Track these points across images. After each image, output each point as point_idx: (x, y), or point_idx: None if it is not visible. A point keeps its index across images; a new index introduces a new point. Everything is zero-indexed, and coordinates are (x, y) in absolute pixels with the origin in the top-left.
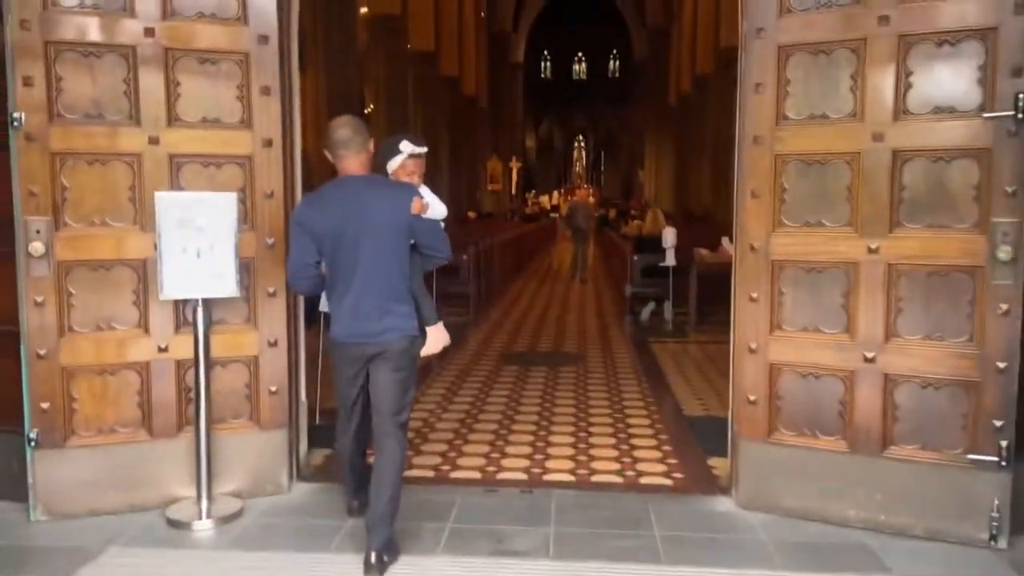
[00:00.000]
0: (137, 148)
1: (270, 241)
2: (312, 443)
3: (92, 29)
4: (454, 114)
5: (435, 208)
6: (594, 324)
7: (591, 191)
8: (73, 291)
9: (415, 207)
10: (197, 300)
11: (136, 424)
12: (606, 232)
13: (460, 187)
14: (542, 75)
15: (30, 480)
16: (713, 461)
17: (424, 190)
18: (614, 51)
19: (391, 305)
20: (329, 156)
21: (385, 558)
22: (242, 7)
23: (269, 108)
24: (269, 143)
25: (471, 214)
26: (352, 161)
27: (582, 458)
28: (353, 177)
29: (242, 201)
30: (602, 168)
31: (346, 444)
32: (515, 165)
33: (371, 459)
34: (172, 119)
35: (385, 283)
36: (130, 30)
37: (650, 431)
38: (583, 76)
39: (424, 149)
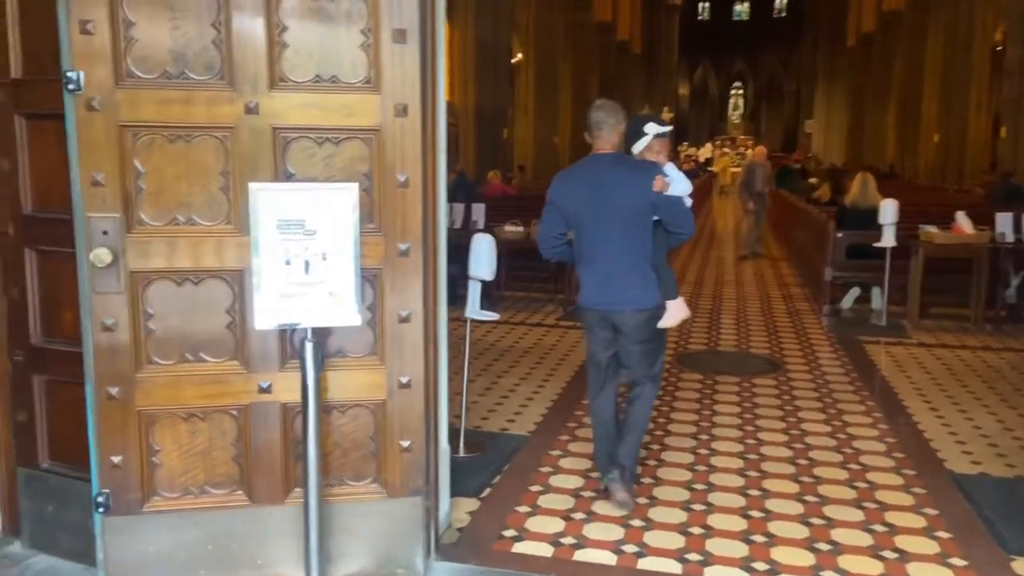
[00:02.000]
0: (229, 119)
1: (403, 246)
2: (456, 486)
3: None
4: (605, 61)
5: (678, 185)
6: (783, 314)
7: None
8: (152, 311)
9: (657, 185)
10: (306, 328)
11: (232, 484)
12: (781, 194)
13: None
14: (699, 16)
15: (99, 554)
16: (1021, 565)
17: (669, 167)
18: None
19: (633, 278)
20: (587, 136)
21: (628, 477)
22: None
23: (405, 61)
24: (404, 110)
25: None
26: (604, 141)
27: (822, 546)
28: (601, 155)
29: (367, 191)
30: (761, 118)
31: (602, 410)
32: (667, 115)
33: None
34: (276, 79)
35: (628, 257)
36: None
37: (909, 501)
38: (745, 17)
39: (668, 128)
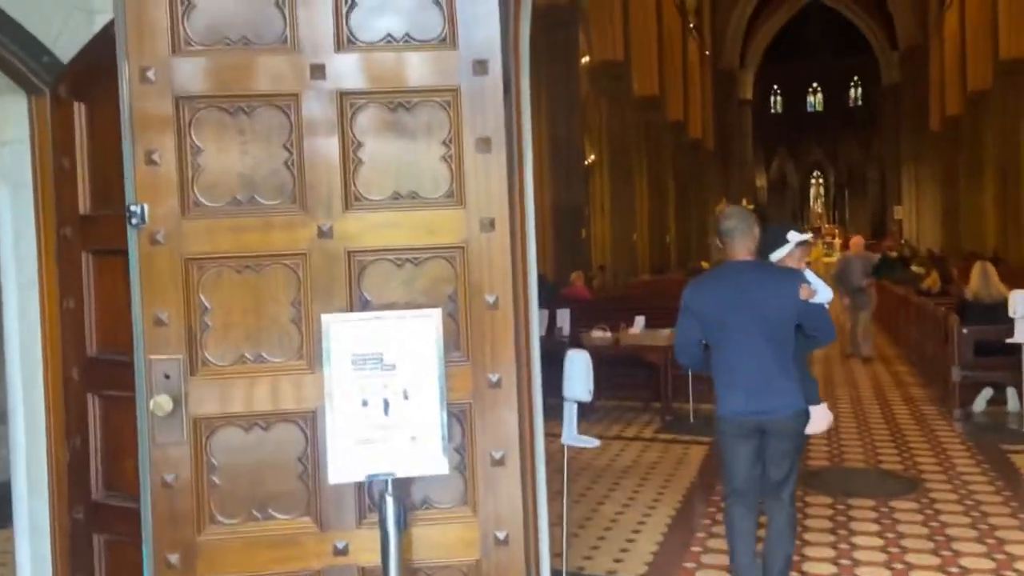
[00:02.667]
0: (302, 244)
1: (494, 377)
2: None
3: (240, 74)
4: (679, 158)
5: (822, 293)
6: (909, 420)
7: (860, 237)
8: (216, 462)
9: (803, 293)
10: (386, 479)
11: None
12: (885, 285)
13: (688, 233)
14: (772, 110)
15: None
16: None
17: (809, 274)
18: (855, 78)
19: (780, 384)
20: (718, 243)
21: None
22: (448, 23)
23: (490, 171)
24: (491, 224)
25: (703, 265)
26: (739, 247)
27: None
28: (740, 262)
29: (451, 315)
30: (845, 206)
31: (738, 518)
32: (747, 205)
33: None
34: (351, 198)
35: (773, 364)
36: (293, 68)
37: None
38: (819, 108)
39: (810, 236)
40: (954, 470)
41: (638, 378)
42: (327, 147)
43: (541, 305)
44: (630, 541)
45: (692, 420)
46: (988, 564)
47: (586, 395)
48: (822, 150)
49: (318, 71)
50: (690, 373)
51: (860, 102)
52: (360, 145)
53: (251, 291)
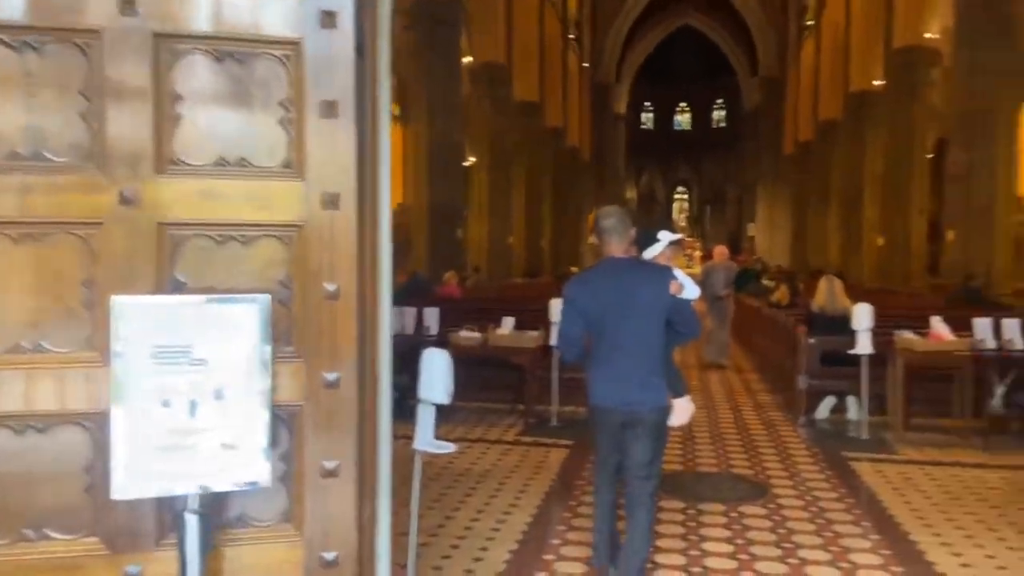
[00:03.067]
0: (98, 211)
1: (331, 376)
2: None
3: (26, 1)
4: (556, 165)
5: (689, 290)
6: (759, 426)
7: (722, 247)
8: None
9: (673, 288)
10: (186, 495)
11: None
12: (741, 298)
13: (562, 239)
14: (643, 126)
15: None
16: None
17: (677, 272)
18: (719, 100)
19: (649, 378)
20: (594, 239)
21: None
22: None
23: (336, 140)
24: (334, 201)
25: (572, 270)
26: (616, 246)
27: None
28: (617, 259)
29: (283, 303)
30: (706, 221)
31: (605, 513)
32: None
33: None
34: (165, 160)
35: (644, 357)
36: (95, 3)
37: None
38: (686, 127)
39: (680, 236)
40: (799, 476)
41: (504, 380)
42: (136, 98)
43: (413, 303)
44: (483, 549)
45: (555, 423)
46: (833, 573)
47: (444, 397)
48: (688, 167)
49: (128, 6)
50: (555, 376)
51: (724, 124)
52: (179, 99)
53: (32, 265)
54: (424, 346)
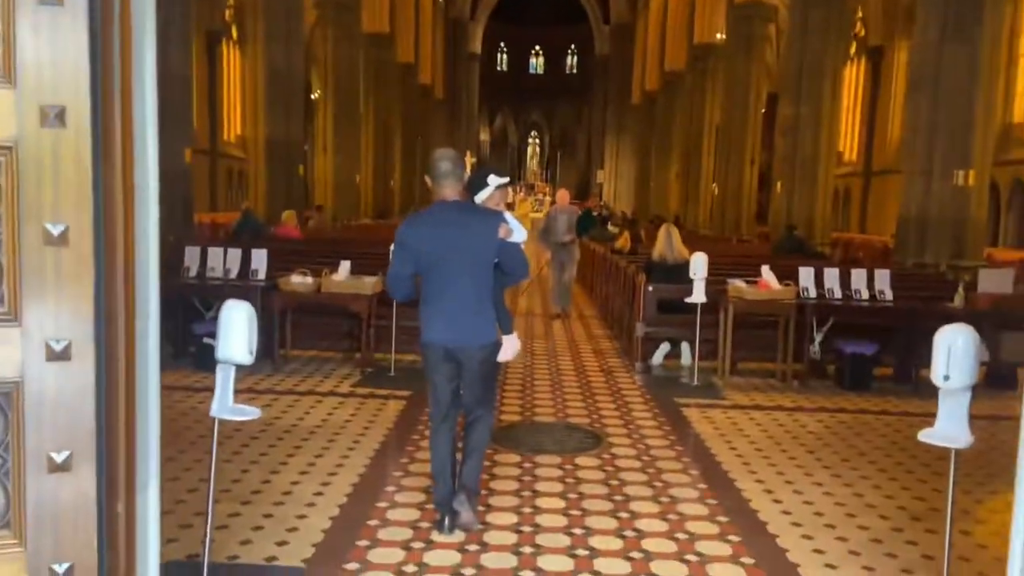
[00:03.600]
0: None
1: (59, 345)
2: None
3: None
4: (407, 102)
5: (518, 233)
6: (597, 373)
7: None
8: None
9: (502, 232)
10: None
11: None
12: (585, 243)
13: (413, 179)
14: (498, 67)
15: None
16: None
17: (507, 216)
18: (572, 47)
19: (478, 316)
20: (428, 182)
21: (473, 516)
22: None
23: (60, 36)
24: (60, 116)
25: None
26: (451, 190)
27: None
28: (450, 203)
29: None
30: (557, 166)
31: (443, 446)
32: (469, 160)
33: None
34: None
35: (474, 297)
36: None
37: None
38: (540, 71)
39: (507, 179)
40: (634, 424)
41: (340, 328)
42: None
43: (252, 242)
44: (301, 517)
45: (393, 372)
46: (662, 526)
47: (247, 356)
48: (541, 112)
49: None
50: (394, 324)
51: (575, 70)
52: None
53: None
54: (251, 292)
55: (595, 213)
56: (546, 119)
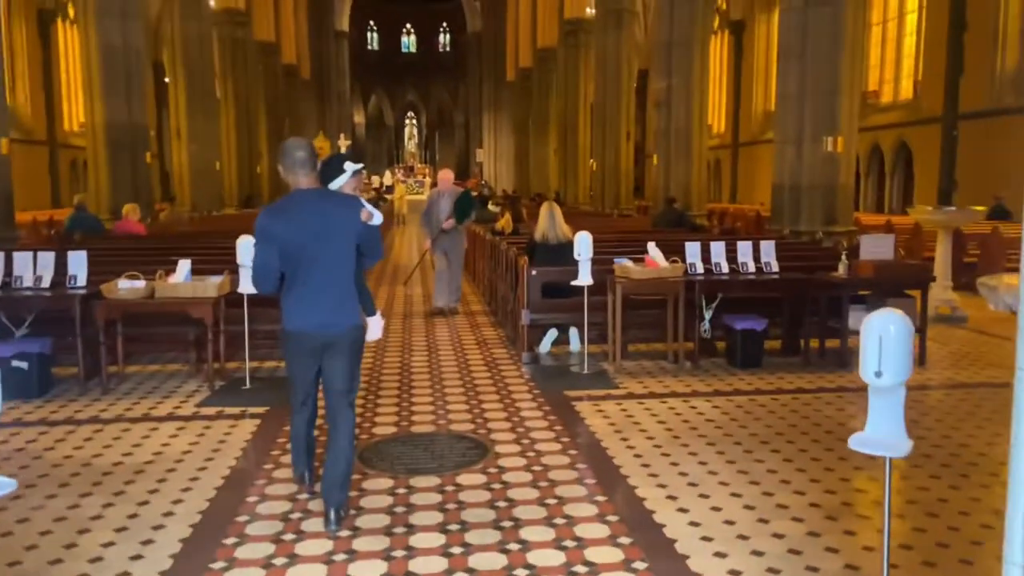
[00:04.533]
0: None
1: None
2: None
3: None
4: (270, 83)
5: (376, 217)
6: (483, 370)
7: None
8: None
9: (363, 216)
10: None
11: None
12: (468, 227)
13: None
14: (369, 46)
15: None
16: None
17: (363, 201)
18: (444, 24)
19: (343, 300)
20: (282, 171)
21: (342, 513)
22: None
23: None
24: None
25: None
26: (307, 179)
27: None
28: (309, 191)
29: None
30: (435, 147)
31: (301, 426)
32: (343, 143)
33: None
34: None
35: (338, 282)
36: None
37: None
38: (413, 49)
39: (362, 166)
40: (523, 426)
41: (186, 336)
42: None
43: (84, 241)
44: None
45: (248, 384)
46: (557, 557)
47: None
48: (416, 92)
49: None
50: (246, 328)
51: (449, 48)
52: None
53: None
54: (67, 302)
55: (474, 193)
56: (422, 99)
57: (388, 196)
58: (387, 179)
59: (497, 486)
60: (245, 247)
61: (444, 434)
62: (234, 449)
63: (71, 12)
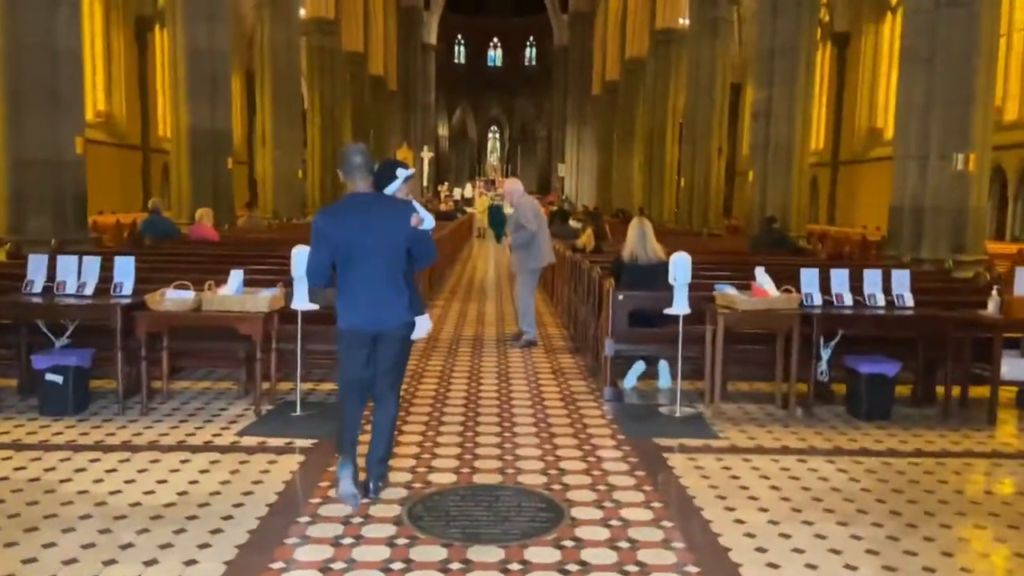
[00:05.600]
0: None
1: None
2: None
3: None
4: (358, 93)
5: (428, 221)
6: (559, 407)
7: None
8: None
9: (414, 220)
10: None
11: None
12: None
13: None
14: (456, 60)
15: None
16: None
17: (416, 205)
18: (531, 38)
19: (395, 298)
20: (341, 175)
21: (381, 484)
22: None
23: None
24: None
25: None
26: (363, 182)
27: None
28: (364, 194)
29: None
30: (518, 160)
31: (354, 409)
32: (427, 154)
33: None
34: None
35: (389, 282)
36: None
37: None
38: (499, 63)
39: (412, 172)
40: (605, 481)
41: (237, 353)
42: None
43: (156, 246)
44: None
45: (299, 411)
46: None
47: None
48: (500, 106)
49: None
50: (299, 347)
51: (535, 62)
52: None
53: None
54: (110, 312)
55: (554, 207)
56: (506, 112)
57: (468, 208)
58: (468, 191)
59: (573, 568)
60: (300, 258)
61: (511, 488)
62: (267, 494)
63: (167, 18)
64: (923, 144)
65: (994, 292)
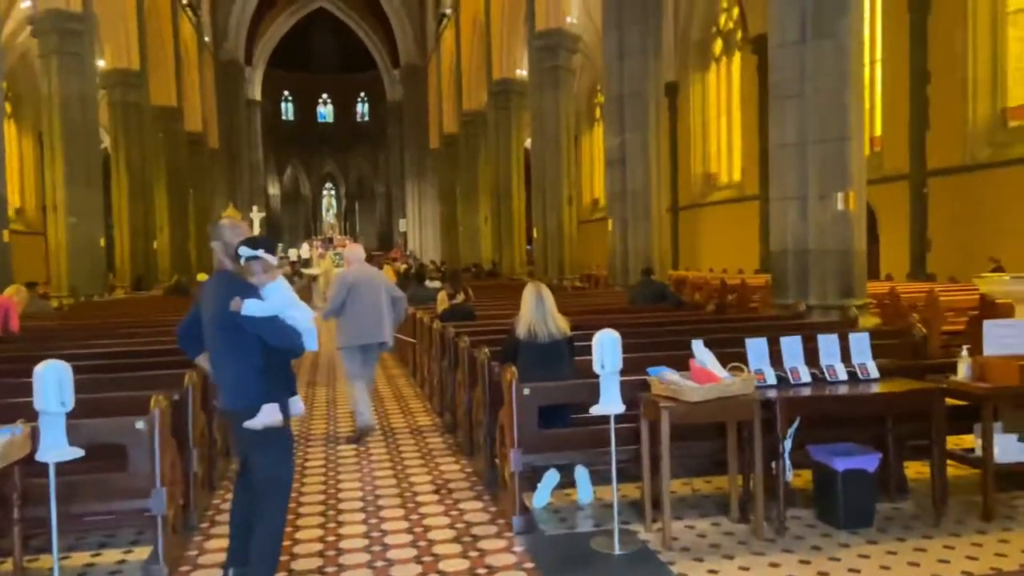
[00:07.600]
0: None
1: None
2: None
3: None
4: (173, 151)
5: (269, 305)
6: (454, 552)
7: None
8: None
9: (233, 305)
10: None
11: None
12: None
13: (185, 241)
14: (284, 116)
15: None
16: None
17: (270, 287)
18: (362, 93)
19: (234, 383)
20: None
21: None
22: None
23: None
24: None
25: (200, 278)
26: (222, 261)
27: None
28: (219, 273)
29: None
30: (356, 217)
31: (236, 523)
32: (257, 215)
33: None
34: None
35: (227, 364)
36: None
37: None
38: (330, 119)
39: (255, 253)
40: None
41: None
42: None
43: None
44: None
45: None
46: None
47: None
48: (334, 162)
49: None
50: (53, 508)
51: (368, 117)
52: None
53: None
54: None
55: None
56: (340, 169)
57: (306, 271)
58: (304, 251)
59: None
60: (48, 384)
61: None
62: None
63: None
64: (800, 184)
65: (964, 352)
